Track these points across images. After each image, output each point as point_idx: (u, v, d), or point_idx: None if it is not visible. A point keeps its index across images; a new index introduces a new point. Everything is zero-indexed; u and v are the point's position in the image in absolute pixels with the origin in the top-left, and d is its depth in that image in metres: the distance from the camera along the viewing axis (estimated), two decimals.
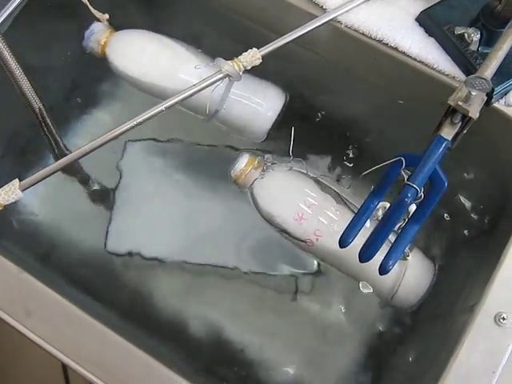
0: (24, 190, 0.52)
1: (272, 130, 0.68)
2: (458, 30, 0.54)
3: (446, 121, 0.45)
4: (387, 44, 0.58)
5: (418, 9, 0.58)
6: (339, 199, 0.62)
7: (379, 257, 0.46)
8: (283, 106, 0.67)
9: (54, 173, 0.53)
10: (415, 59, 0.57)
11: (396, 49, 0.57)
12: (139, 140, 0.77)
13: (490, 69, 0.45)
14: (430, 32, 0.57)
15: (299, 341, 0.68)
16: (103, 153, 0.74)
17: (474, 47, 0.53)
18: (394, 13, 0.58)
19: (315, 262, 0.69)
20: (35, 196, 0.74)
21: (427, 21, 0.57)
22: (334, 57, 0.65)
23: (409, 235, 0.48)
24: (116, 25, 0.69)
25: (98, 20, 0.68)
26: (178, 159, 0.76)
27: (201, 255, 0.71)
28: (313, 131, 0.71)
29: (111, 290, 0.70)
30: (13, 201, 0.52)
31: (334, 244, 0.60)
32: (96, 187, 0.75)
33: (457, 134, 0.45)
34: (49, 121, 0.60)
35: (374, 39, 0.58)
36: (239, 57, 0.56)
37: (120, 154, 0.76)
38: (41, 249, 0.72)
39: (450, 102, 0.44)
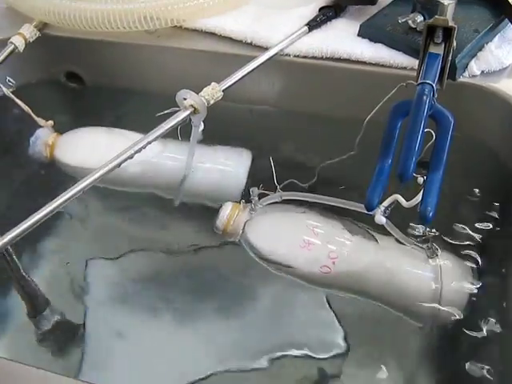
0: None
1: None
2: (401, 19, 0.56)
3: (430, 44, 0.43)
4: (339, 58, 0.58)
5: (356, 28, 0.61)
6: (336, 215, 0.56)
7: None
8: (251, 162, 0.64)
9: None
10: (370, 63, 0.58)
11: (349, 60, 0.58)
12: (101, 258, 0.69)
13: None
14: (375, 39, 0.58)
15: None
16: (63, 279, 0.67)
17: (420, 28, 0.55)
18: (335, 34, 0.60)
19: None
20: None
21: (369, 30, 0.59)
22: (293, 103, 0.65)
23: (435, 183, 0.43)
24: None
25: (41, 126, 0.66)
26: (147, 272, 0.68)
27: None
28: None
29: None
30: None
31: (356, 262, 0.53)
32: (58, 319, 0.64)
33: (444, 58, 0.44)
34: None
35: (325, 58, 0.59)
36: (200, 92, 0.55)
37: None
38: None
39: (428, 22, 0.43)
